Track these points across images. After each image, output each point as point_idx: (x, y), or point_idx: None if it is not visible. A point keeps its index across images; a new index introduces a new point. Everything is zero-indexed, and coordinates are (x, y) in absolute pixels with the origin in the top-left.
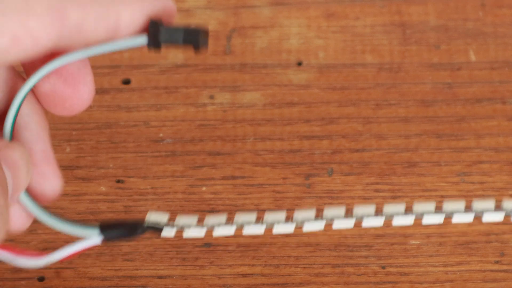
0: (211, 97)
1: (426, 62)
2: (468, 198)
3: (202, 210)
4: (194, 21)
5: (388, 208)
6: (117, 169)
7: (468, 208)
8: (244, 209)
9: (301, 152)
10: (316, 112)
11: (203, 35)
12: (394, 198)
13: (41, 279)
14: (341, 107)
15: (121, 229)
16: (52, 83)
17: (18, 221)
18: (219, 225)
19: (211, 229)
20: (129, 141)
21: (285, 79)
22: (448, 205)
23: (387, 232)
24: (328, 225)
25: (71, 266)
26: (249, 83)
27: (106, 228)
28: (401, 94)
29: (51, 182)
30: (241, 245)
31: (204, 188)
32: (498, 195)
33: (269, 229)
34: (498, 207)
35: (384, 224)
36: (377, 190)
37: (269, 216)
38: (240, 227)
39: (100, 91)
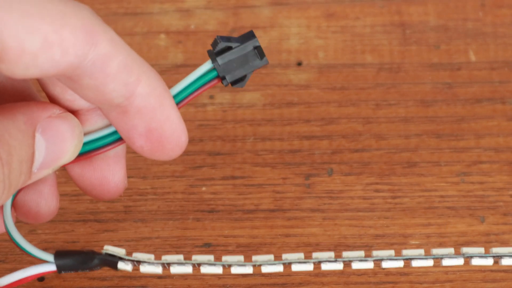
0: (211, 97)
1: (426, 62)
2: (468, 198)
3: (202, 210)
4: (194, 21)
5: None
6: None
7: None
8: (244, 209)
9: (301, 152)
10: (316, 112)
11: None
12: (394, 198)
13: (41, 279)
14: (341, 107)
15: (75, 259)
16: (81, 168)
17: None
18: (177, 263)
19: (168, 265)
20: None
21: (285, 79)
22: (408, 252)
23: (386, 232)
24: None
25: None
26: (249, 83)
27: (61, 256)
28: (401, 94)
29: (48, 202)
30: (240, 245)
31: (204, 188)
32: (498, 195)
33: (227, 270)
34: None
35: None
36: (377, 190)
37: (228, 258)
38: (198, 266)
39: None
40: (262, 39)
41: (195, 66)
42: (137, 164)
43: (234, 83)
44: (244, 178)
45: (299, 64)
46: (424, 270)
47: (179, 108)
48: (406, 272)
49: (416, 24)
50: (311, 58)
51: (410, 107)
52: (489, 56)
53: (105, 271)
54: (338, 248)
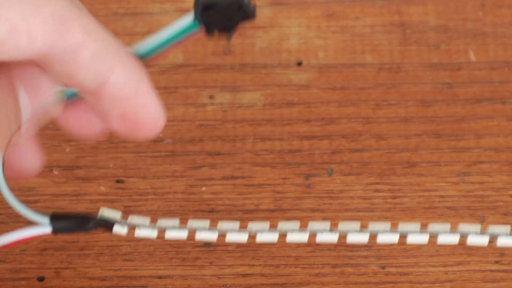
0: (211, 97)
1: (426, 62)
2: (468, 198)
3: (202, 210)
4: None
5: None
6: (117, 169)
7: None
8: (244, 209)
9: (301, 152)
10: (316, 112)
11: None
12: (394, 198)
13: (40, 279)
14: (341, 107)
15: (71, 221)
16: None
17: None
18: (172, 228)
19: (163, 230)
20: (129, 141)
21: (285, 79)
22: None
23: None
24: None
25: (71, 266)
26: (249, 83)
27: (57, 218)
28: (401, 94)
29: (32, 158)
30: (240, 245)
31: (204, 188)
32: (498, 195)
33: (222, 235)
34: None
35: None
36: (377, 190)
37: (223, 224)
38: (193, 231)
39: None
40: (262, 39)
41: (195, 66)
42: (137, 164)
43: (219, 33)
44: (244, 178)
45: (299, 64)
46: (424, 270)
47: (160, 58)
48: (406, 272)
49: (416, 24)
50: (311, 58)
51: (410, 107)
52: (489, 56)
53: (105, 271)
54: (338, 248)
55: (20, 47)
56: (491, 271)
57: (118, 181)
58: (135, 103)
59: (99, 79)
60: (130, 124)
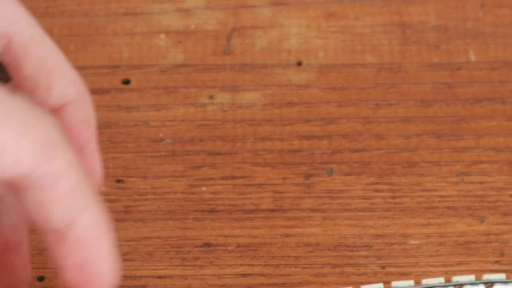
0: (211, 97)
1: (426, 62)
2: (468, 198)
3: (202, 210)
4: (194, 21)
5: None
6: (117, 169)
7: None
8: (244, 209)
9: (301, 152)
10: (316, 112)
11: None
12: (394, 198)
13: (40, 279)
14: (341, 107)
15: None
16: None
17: None
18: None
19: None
20: (129, 141)
21: (285, 79)
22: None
23: (386, 232)
24: None
25: None
26: (248, 83)
27: None
28: (401, 94)
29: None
30: (240, 245)
31: (204, 188)
32: (498, 195)
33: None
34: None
35: None
36: (377, 190)
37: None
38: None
39: (100, 91)
40: (262, 39)
41: (195, 66)
42: (137, 164)
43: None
44: (244, 178)
45: (299, 64)
46: (424, 270)
47: None
48: (406, 272)
49: (416, 24)
50: (311, 58)
51: (410, 107)
52: (489, 56)
53: None
54: (337, 248)
55: (4, 167)
56: (491, 271)
57: (118, 181)
58: (95, 254)
59: (69, 216)
60: (83, 277)
